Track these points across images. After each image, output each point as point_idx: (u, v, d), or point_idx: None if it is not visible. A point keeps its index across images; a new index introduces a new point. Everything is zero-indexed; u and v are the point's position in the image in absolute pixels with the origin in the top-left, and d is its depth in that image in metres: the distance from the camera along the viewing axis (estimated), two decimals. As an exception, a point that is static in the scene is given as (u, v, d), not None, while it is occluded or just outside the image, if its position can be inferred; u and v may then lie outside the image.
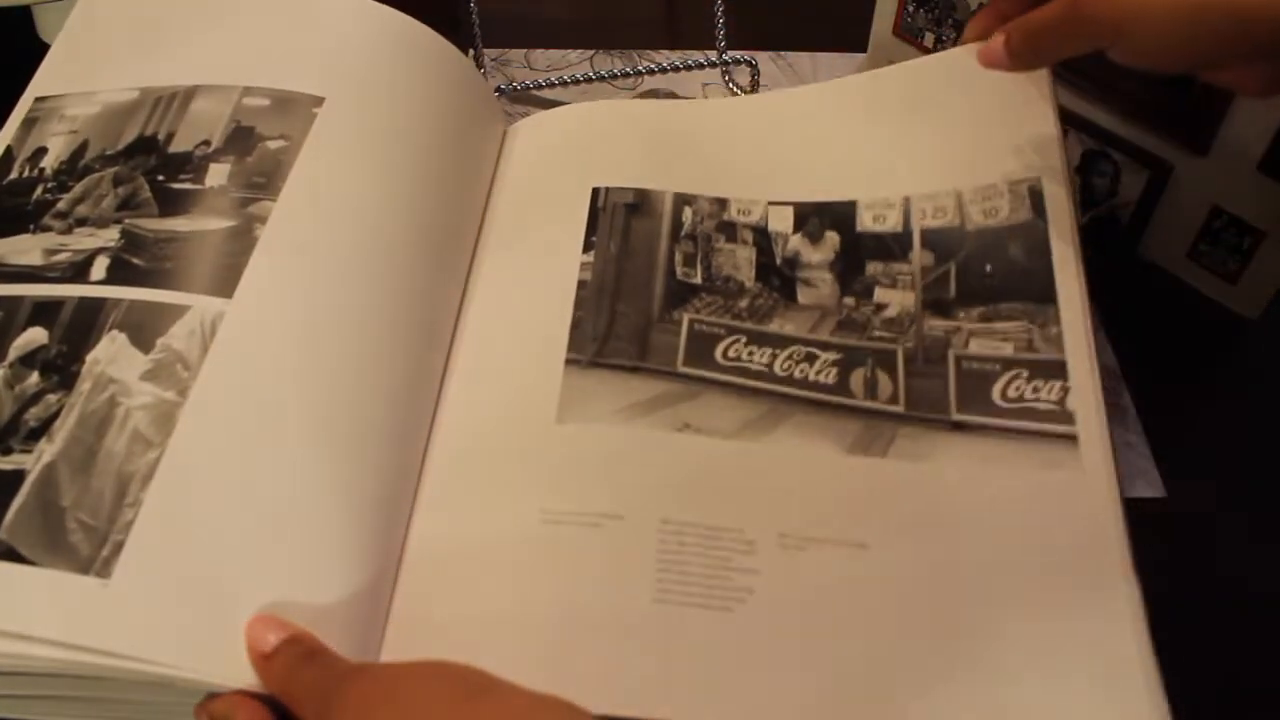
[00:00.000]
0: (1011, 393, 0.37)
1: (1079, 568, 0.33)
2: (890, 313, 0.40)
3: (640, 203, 0.44)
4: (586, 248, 0.43)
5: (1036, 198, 0.41)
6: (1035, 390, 0.37)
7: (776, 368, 0.39)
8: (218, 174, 0.40)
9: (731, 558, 0.34)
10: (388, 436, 0.36)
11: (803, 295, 0.41)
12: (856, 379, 0.38)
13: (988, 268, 0.40)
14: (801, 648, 0.32)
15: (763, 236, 0.43)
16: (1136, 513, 0.34)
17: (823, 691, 0.31)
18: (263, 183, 0.39)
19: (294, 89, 0.42)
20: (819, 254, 0.42)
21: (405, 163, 0.42)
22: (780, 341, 0.40)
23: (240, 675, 0.29)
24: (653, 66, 0.64)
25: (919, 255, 0.41)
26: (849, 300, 0.41)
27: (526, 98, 0.63)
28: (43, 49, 0.45)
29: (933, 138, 0.44)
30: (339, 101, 0.42)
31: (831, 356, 0.39)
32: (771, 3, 0.70)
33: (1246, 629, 0.41)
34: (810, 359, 0.39)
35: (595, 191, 0.45)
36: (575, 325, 0.40)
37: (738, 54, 0.63)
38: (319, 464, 0.34)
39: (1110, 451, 0.35)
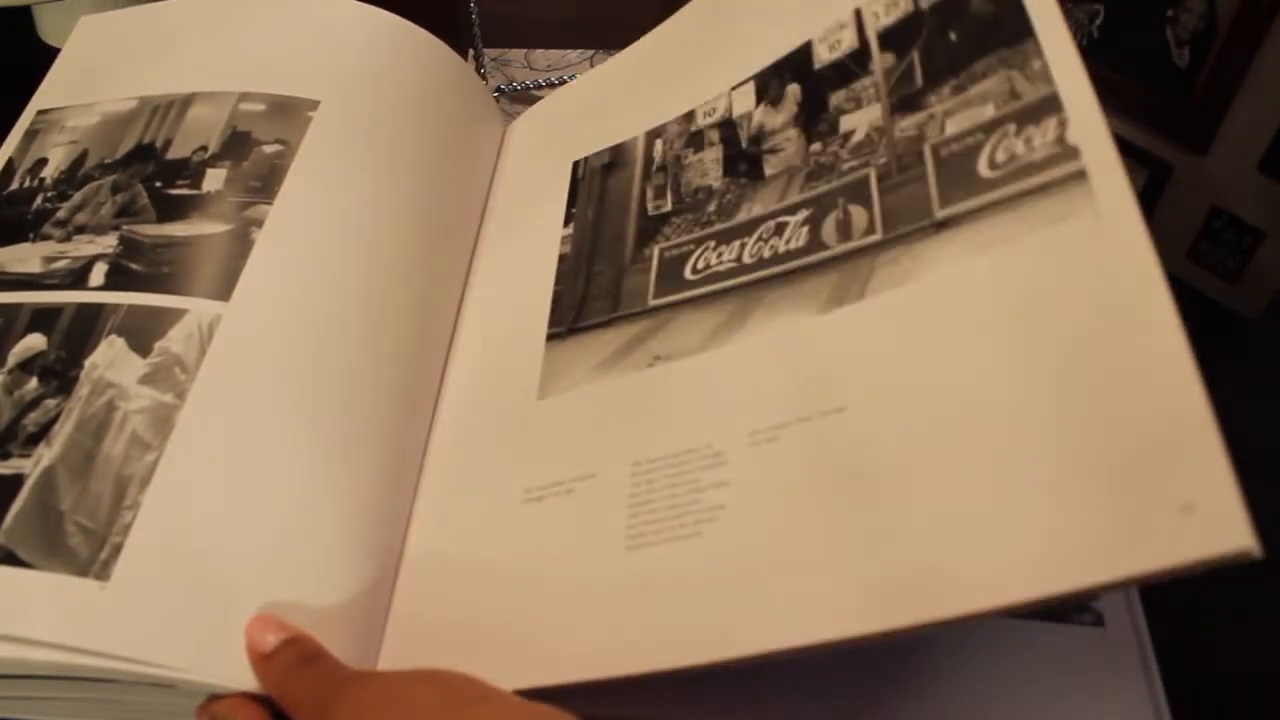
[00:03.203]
0: (1000, 156, 0.31)
1: (1110, 346, 0.26)
2: (858, 137, 0.36)
3: (615, 159, 0.43)
4: (567, 221, 0.43)
5: None
6: (1028, 141, 0.31)
7: (745, 257, 0.36)
8: (215, 179, 0.40)
9: (700, 477, 0.31)
10: (386, 437, 0.36)
11: (769, 166, 0.38)
12: (828, 226, 0.35)
13: (952, 37, 0.35)
14: (782, 550, 0.28)
15: (728, 128, 0.41)
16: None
17: (808, 592, 0.27)
18: (259, 187, 0.39)
19: (290, 94, 0.42)
20: (782, 115, 0.39)
21: (401, 166, 0.42)
22: (748, 228, 0.37)
23: (240, 677, 0.29)
24: (653, 66, 0.63)
25: (879, 60, 0.37)
26: (815, 146, 0.37)
27: (526, 98, 0.63)
28: (43, 49, 0.46)
29: None
30: (335, 106, 0.42)
31: (800, 216, 0.35)
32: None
33: (1245, 629, 0.41)
34: (779, 230, 0.36)
35: (575, 165, 0.44)
36: (555, 299, 0.40)
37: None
38: (317, 465, 0.34)
39: (1129, 186, 0.27)
